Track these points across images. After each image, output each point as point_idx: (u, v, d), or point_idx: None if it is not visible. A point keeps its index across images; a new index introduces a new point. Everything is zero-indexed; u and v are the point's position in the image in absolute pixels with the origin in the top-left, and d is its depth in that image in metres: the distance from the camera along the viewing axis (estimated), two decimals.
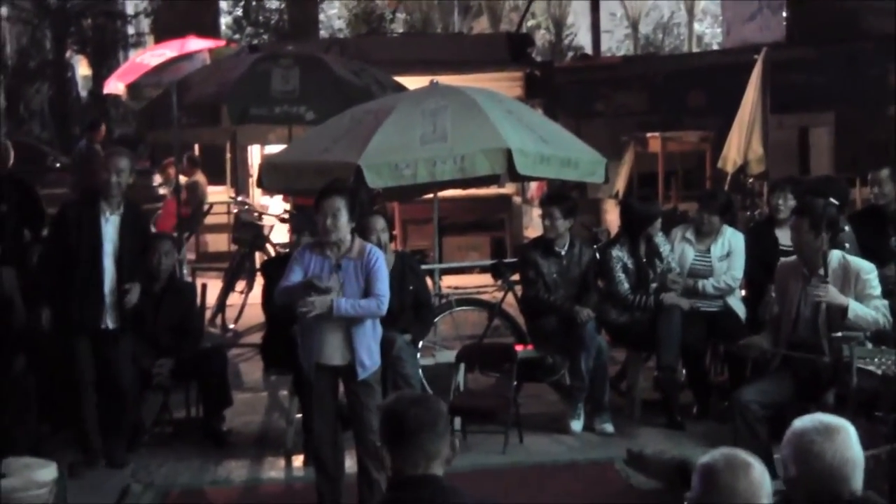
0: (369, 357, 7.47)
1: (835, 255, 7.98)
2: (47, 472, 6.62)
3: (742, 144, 14.06)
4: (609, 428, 9.53)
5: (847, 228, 9.65)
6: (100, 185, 8.79)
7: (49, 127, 32.20)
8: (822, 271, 7.81)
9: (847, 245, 9.17)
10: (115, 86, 22.29)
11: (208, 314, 12.36)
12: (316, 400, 7.60)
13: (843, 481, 4.02)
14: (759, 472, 3.87)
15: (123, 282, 8.76)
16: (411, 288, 9.68)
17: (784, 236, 9.75)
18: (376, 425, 7.39)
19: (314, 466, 7.80)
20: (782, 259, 8.54)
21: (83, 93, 36.04)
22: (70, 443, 9.13)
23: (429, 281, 11.34)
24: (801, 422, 4.13)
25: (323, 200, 7.38)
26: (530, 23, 41.29)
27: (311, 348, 7.48)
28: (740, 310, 9.91)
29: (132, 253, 8.80)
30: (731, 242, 10.02)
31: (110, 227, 8.75)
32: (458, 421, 9.07)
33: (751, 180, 14.91)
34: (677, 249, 10.04)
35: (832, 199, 9.32)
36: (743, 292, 10.18)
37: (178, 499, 8.30)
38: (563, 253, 9.82)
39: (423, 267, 11.07)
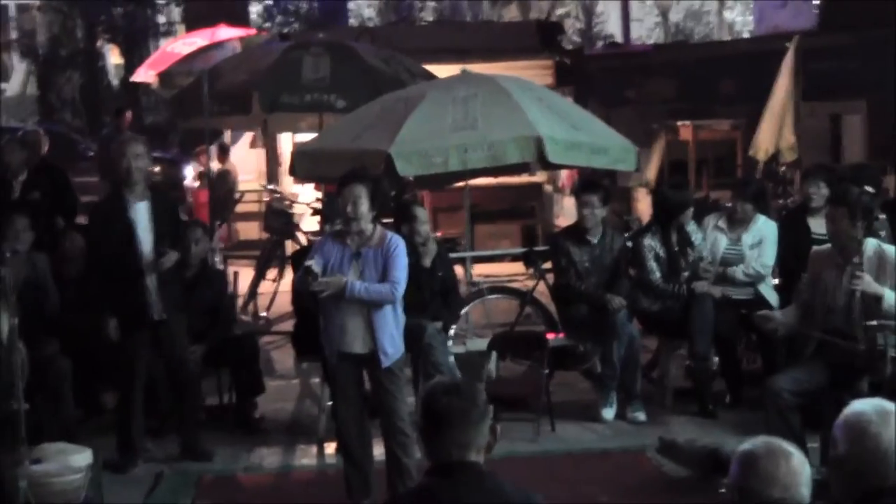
0: (392, 345, 7.47)
1: (870, 244, 7.94)
2: (82, 457, 6.66)
3: (774, 132, 13.99)
4: (641, 416, 9.52)
5: (881, 216, 9.60)
6: (119, 174, 8.71)
7: (80, 115, 32.30)
8: (856, 260, 7.77)
9: (882, 233, 9.12)
10: (146, 74, 22.36)
11: (240, 302, 12.40)
12: (339, 388, 7.60)
13: (890, 467, 4.00)
14: (798, 460, 3.86)
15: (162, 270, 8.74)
16: (440, 274, 9.69)
17: (816, 225, 9.71)
18: (403, 412, 7.47)
19: (342, 454, 7.82)
20: (815, 247, 8.51)
21: (114, 81, 36.13)
22: (104, 429, 9.18)
23: (460, 269, 11.36)
24: (861, 403, 4.11)
25: (344, 187, 7.38)
26: (560, 11, 41.16)
27: (332, 336, 7.48)
28: (773, 298, 9.87)
29: (166, 238, 8.76)
30: (763, 230, 9.99)
31: (140, 216, 8.63)
32: (490, 408, 9.05)
33: (783, 168, 14.83)
34: (709, 238, 10.01)
35: (866, 188, 9.29)
36: (776, 281, 10.15)
37: (210, 485, 8.33)
38: (594, 241, 9.80)
39: (455, 255, 11.09)
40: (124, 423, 8.70)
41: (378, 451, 7.81)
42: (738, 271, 9.89)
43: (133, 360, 8.63)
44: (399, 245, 7.50)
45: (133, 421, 8.68)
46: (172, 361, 8.84)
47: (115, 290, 8.57)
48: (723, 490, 3.93)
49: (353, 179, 7.44)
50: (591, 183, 10.38)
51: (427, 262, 9.59)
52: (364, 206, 7.34)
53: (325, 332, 7.55)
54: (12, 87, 38.19)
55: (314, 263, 7.30)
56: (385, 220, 8.13)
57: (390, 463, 7.54)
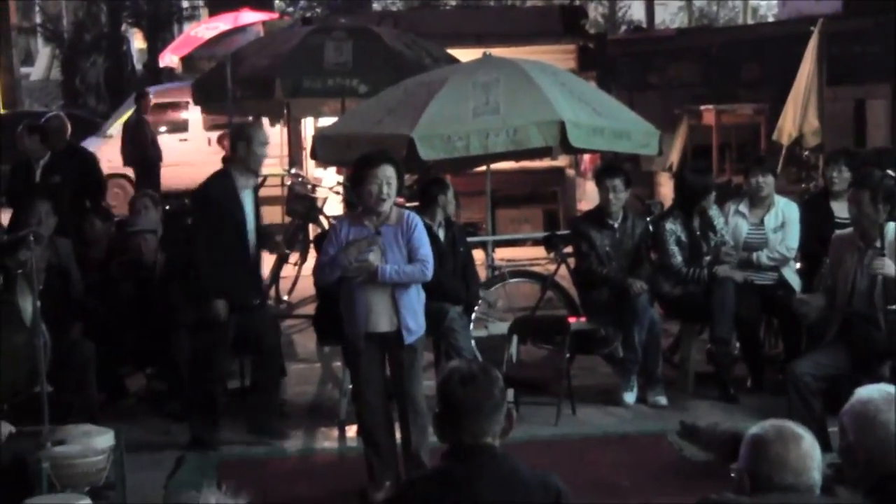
0: (415, 322, 7.50)
1: (891, 228, 7.92)
2: (104, 439, 6.68)
3: (797, 117, 13.96)
4: (662, 400, 9.52)
5: None
6: (239, 156, 8.61)
7: (104, 100, 32.37)
8: (878, 244, 7.76)
9: None
10: (170, 59, 22.46)
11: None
12: (363, 370, 7.61)
13: None
14: (809, 443, 3.85)
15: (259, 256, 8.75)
16: (461, 249, 9.72)
17: (839, 208, 9.68)
18: (419, 392, 7.49)
19: (363, 437, 7.83)
20: (837, 231, 8.49)
21: (138, 66, 36.22)
22: (127, 412, 9.24)
23: (482, 253, 11.37)
24: (867, 390, 4.09)
25: (375, 168, 7.35)
26: None
27: (359, 317, 7.48)
28: (796, 282, 9.85)
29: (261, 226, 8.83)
30: (785, 213, 9.96)
31: (248, 201, 8.64)
32: (510, 392, 9.06)
33: (806, 153, 14.81)
34: (731, 223, 9.98)
35: (889, 172, 9.26)
36: (798, 265, 10.12)
37: (232, 468, 8.36)
38: (616, 225, 9.79)
39: (476, 239, 11.10)
40: (210, 399, 8.75)
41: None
42: (762, 256, 9.86)
43: (224, 341, 8.63)
44: (419, 222, 7.53)
45: (215, 409, 8.77)
46: (266, 344, 8.89)
47: (226, 272, 8.57)
48: (733, 475, 3.93)
49: (383, 160, 7.43)
50: (613, 167, 10.37)
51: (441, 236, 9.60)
52: (395, 187, 7.36)
53: (350, 314, 7.55)
54: (37, 71, 38.32)
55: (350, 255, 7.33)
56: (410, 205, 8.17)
57: (405, 444, 7.56)
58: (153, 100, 20.62)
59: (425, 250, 7.44)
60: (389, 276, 7.36)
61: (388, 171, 7.35)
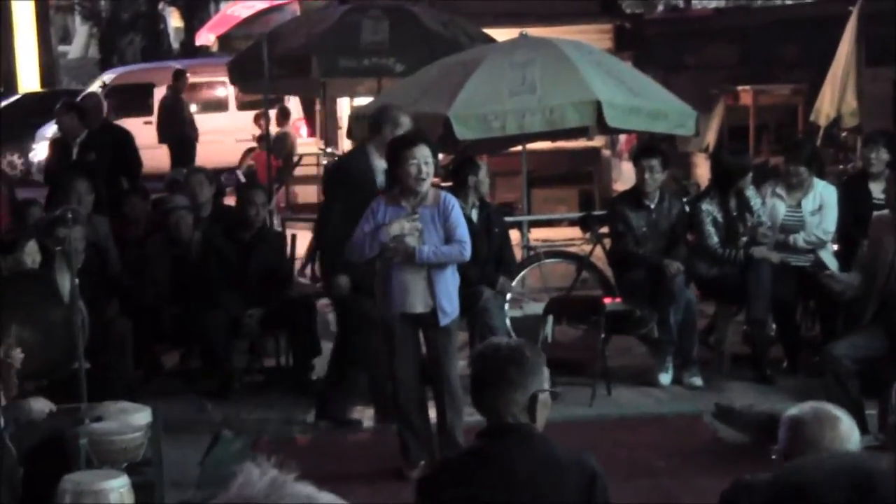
0: (450, 303, 7.51)
1: None
2: (142, 416, 6.72)
3: (836, 98, 13.86)
4: (698, 381, 9.50)
5: None
6: (385, 138, 8.39)
7: None
8: None
9: None
10: (207, 37, 22.49)
11: (298, 265, 12.44)
12: (398, 350, 7.62)
13: None
14: (846, 426, 3.84)
15: None
16: (496, 230, 9.72)
17: (878, 190, 9.65)
18: (455, 372, 7.51)
19: (397, 417, 7.84)
20: (876, 213, 8.44)
21: (175, 44, 36.33)
22: (164, 389, 9.28)
23: (517, 233, 11.36)
24: None
25: (412, 148, 7.35)
26: None
27: (394, 297, 7.50)
28: (833, 264, 9.79)
29: None
30: (823, 196, 9.90)
31: (380, 181, 8.54)
32: (547, 373, 9.05)
33: (844, 134, 14.70)
34: (768, 205, 9.94)
35: None
36: (835, 247, 10.07)
37: (267, 446, 8.39)
38: (652, 206, 9.76)
39: (511, 219, 11.08)
40: (343, 378, 8.79)
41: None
42: (799, 238, 9.82)
43: (368, 321, 8.43)
44: (455, 203, 7.54)
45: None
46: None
47: None
48: (774, 456, 3.92)
49: (419, 140, 7.45)
50: (650, 147, 10.33)
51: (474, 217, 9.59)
52: (431, 167, 7.37)
53: (385, 294, 7.56)
54: (74, 49, 38.49)
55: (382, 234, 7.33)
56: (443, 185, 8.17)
57: (441, 424, 7.58)
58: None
59: (463, 231, 7.45)
60: (427, 257, 7.36)
61: (424, 152, 7.36)
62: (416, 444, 7.67)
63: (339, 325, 8.98)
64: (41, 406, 6.22)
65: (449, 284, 7.52)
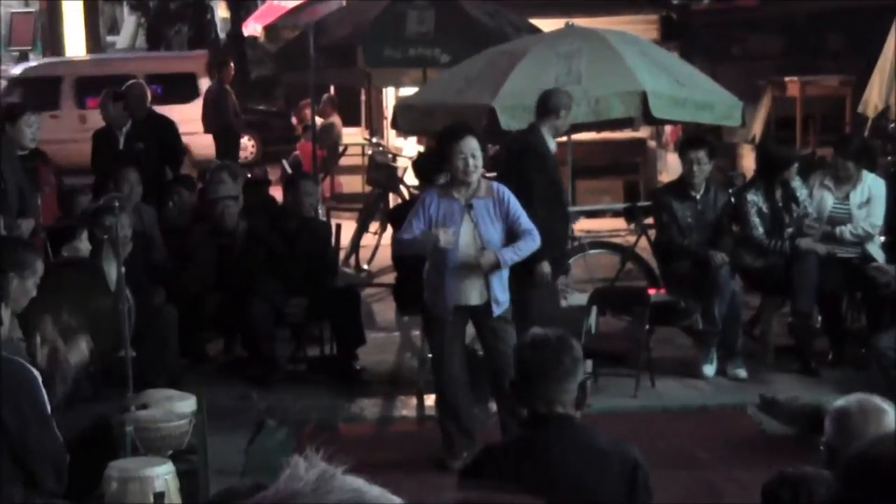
0: (503, 293, 7.53)
1: None
2: (186, 404, 6.75)
3: (884, 89, 13.76)
4: (742, 373, 9.46)
5: None
6: (559, 123, 8.64)
7: None
8: None
9: None
10: (253, 27, 22.51)
11: (342, 254, 12.49)
12: (448, 342, 7.62)
13: None
14: (892, 418, 3.83)
15: None
16: None
17: None
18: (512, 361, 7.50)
19: (442, 409, 7.83)
20: None
21: (222, 34, 36.45)
22: (209, 377, 9.33)
23: None
24: None
25: (459, 141, 7.37)
26: None
27: (448, 290, 7.49)
28: (879, 256, 9.73)
29: None
30: (871, 189, 9.83)
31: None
32: (589, 364, 9.07)
33: (892, 125, 14.59)
34: (816, 196, 9.88)
35: None
36: (882, 238, 10.00)
37: (311, 434, 8.42)
38: (698, 197, 9.72)
39: None
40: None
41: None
42: (845, 231, 9.76)
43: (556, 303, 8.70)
44: (510, 193, 7.58)
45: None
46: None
47: (557, 230, 8.76)
48: (822, 448, 3.91)
49: (467, 132, 7.45)
50: (697, 138, 10.29)
51: None
52: (480, 159, 7.37)
53: (439, 287, 7.56)
54: (122, 39, 38.65)
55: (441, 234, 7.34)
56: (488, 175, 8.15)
57: (502, 415, 7.56)
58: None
59: (526, 219, 7.51)
60: (511, 260, 7.45)
61: (472, 144, 7.36)
62: (460, 437, 7.68)
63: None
64: (78, 355, 6.22)
65: (503, 274, 7.55)
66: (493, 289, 7.48)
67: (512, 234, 7.51)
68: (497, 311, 7.49)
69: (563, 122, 8.84)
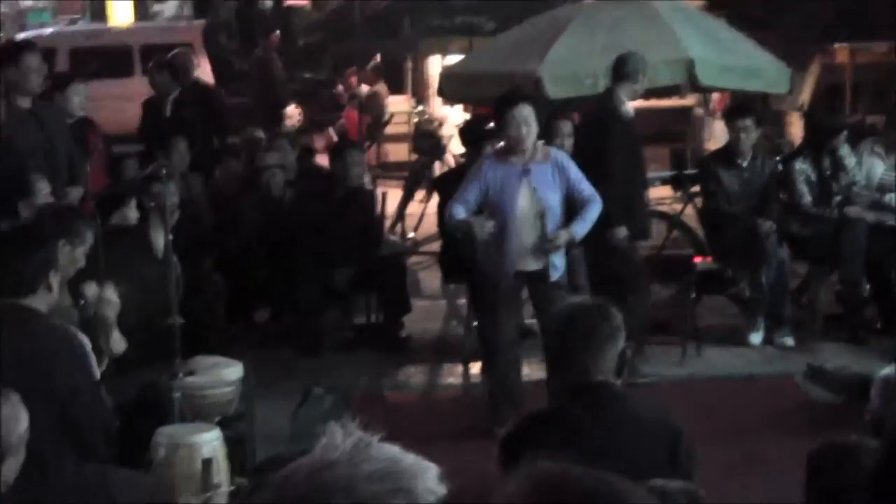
0: (560, 258, 7.55)
1: None
2: (233, 370, 6.79)
3: None
4: (789, 341, 9.42)
5: None
6: (637, 88, 8.70)
7: (235, 37, 32.67)
8: None
9: None
10: None
11: (388, 223, 12.50)
12: (502, 309, 7.59)
13: None
14: None
15: None
16: None
17: None
18: None
19: (492, 378, 7.83)
20: None
21: (268, 3, 36.46)
22: (254, 345, 9.38)
23: None
24: None
25: (511, 109, 7.35)
26: None
27: (508, 256, 7.46)
28: None
29: None
30: None
31: None
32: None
33: None
34: (866, 163, 9.81)
35: None
36: None
37: (358, 402, 8.46)
38: (744, 165, 9.66)
39: None
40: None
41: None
42: (893, 198, 9.69)
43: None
44: (567, 157, 7.62)
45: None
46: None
47: (635, 196, 8.89)
48: (867, 417, 3.89)
49: (519, 100, 7.45)
50: (744, 106, 10.22)
51: None
52: (534, 126, 7.36)
53: (498, 254, 7.52)
54: (169, 9, 38.74)
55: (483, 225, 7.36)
56: None
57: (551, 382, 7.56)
58: None
59: (587, 184, 7.53)
60: (584, 232, 7.50)
61: (524, 111, 7.34)
62: (509, 406, 7.63)
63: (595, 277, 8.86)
64: (111, 301, 6.27)
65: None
66: (558, 254, 7.47)
67: (571, 201, 7.50)
68: (555, 275, 7.48)
69: (640, 86, 8.83)
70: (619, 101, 8.65)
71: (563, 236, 7.43)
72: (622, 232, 8.53)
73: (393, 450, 2.01)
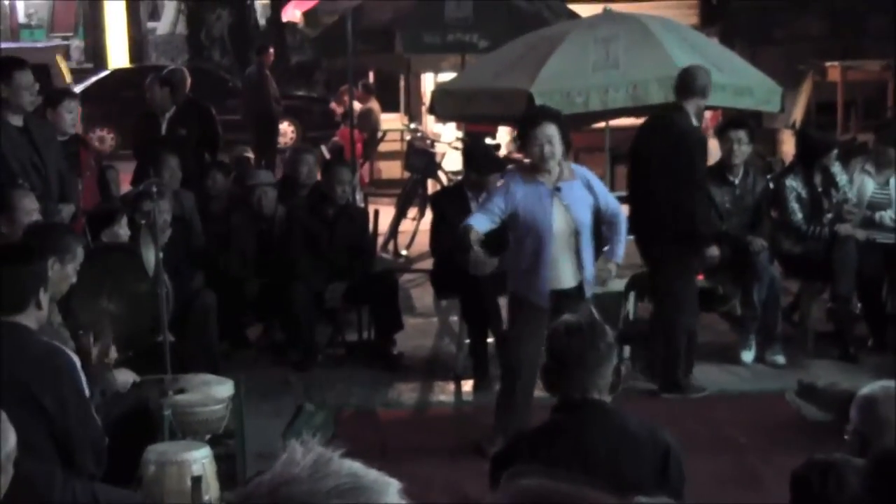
0: (591, 273, 7.53)
1: None
2: (224, 388, 6.80)
3: None
4: (780, 359, 9.43)
5: None
6: (698, 107, 8.70)
7: (229, 54, 32.74)
8: None
9: None
10: (293, 13, 22.48)
11: (380, 240, 12.51)
12: (539, 329, 7.32)
13: None
14: None
15: None
16: None
17: None
18: None
19: (501, 389, 7.72)
20: None
21: (262, 20, 36.52)
22: (246, 362, 9.38)
23: None
24: None
25: (536, 128, 7.30)
26: None
27: (544, 276, 7.39)
28: None
29: None
30: None
31: None
32: (627, 349, 9.05)
33: None
34: (856, 181, 9.84)
35: None
36: None
37: (349, 419, 8.47)
38: (736, 182, 9.67)
39: None
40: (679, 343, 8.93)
41: None
42: (885, 216, 9.72)
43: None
44: (589, 172, 7.65)
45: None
46: None
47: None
48: (846, 437, 3.89)
49: (543, 118, 7.40)
50: (738, 120, 10.22)
51: None
52: (558, 145, 7.32)
53: (534, 275, 7.43)
54: (163, 26, 38.80)
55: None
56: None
57: None
58: None
59: (614, 200, 7.64)
60: (621, 253, 7.64)
61: (549, 130, 7.28)
62: (505, 427, 7.50)
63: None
64: (126, 377, 6.31)
65: (592, 254, 7.55)
66: (586, 269, 7.45)
67: (597, 214, 7.52)
68: (588, 291, 7.52)
69: (705, 102, 8.80)
70: (690, 116, 8.62)
71: (613, 268, 7.59)
72: (714, 251, 8.90)
73: (355, 465, 2.01)
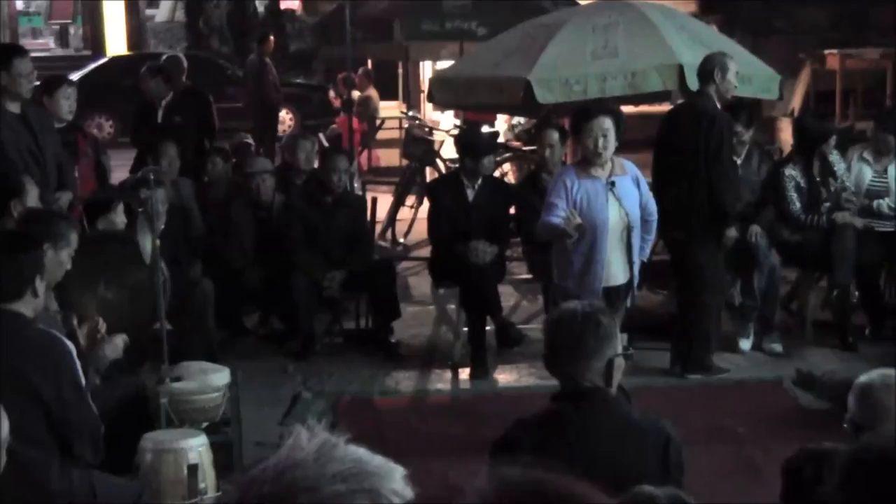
0: (638, 268, 7.57)
1: None
2: (221, 376, 6.80)
3: None
4: (778, 348, 9.42)
5: None
6: (724, 89, 8.67)
7: (227, 42, 32.68)
8: None
9: None
10: (291, 1, 22.51)
11: (378, 228, 12.49)
12: None
13: None
14: None
15: None
16: None
17: None
18: None
19: None
20: None
21: (260, 8, 36.46)
22: (244, 350, 9.37)
23: None
24: None
25: (591, 121, 7.30)
26: None
27: (597, 274, 7.39)
28: None
29: None
30: None
31: None
32: (625, 337, 9.01)
33: None
34: (854, 169, 9.82)
35: None
36: None
37: (347, 407, 8.46)
38: (739, 161, 9.58)
39: None
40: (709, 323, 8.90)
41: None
42: (883, 204, 9.70)
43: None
44: (635, 167, 7.68)
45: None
46: None
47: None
48: (845, 425, 3.89)
49: (599, 112, 7.40)
50: (736, 104, 10.17)
51: None
52: (612, 139, 7.31)
53: (586, 273, 7.41)
54: (161, 14, 38.76)
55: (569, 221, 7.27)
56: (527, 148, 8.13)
57: None
58: None
59: (652, 202, 7.67)
60: (648, 253, 7.73)
61: (604, 124, 7.28)
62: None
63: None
64: (116, 342, 6.25)
65: (638, 250, 7.58)
66: (636, 264, 7.52)
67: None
68: (636, 285, 7.60)
69: (728, 86, 8.70)
70: (714, 99, 8.61)
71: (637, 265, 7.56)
72: (733, 231, 8.94)
73: (359, 451, 2.01)
